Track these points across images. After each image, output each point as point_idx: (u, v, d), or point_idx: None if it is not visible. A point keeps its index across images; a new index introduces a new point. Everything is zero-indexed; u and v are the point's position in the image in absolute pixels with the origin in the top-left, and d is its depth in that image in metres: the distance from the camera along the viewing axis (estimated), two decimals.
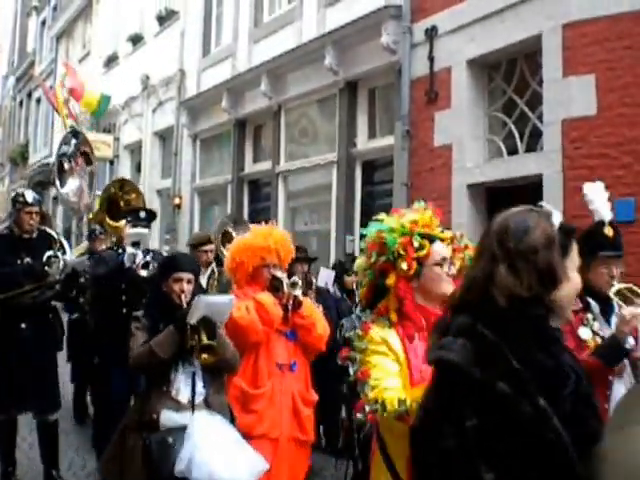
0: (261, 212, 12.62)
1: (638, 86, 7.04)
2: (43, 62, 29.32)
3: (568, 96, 7.50)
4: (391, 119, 10.20)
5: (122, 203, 7.46)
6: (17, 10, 36.16)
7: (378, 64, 10.12)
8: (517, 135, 8.47)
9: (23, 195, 6.40)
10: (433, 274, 3.22)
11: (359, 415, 3.05)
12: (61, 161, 7.64)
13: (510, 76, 8.61)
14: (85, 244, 8.76)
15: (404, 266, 3.17)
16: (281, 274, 4.89)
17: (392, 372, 3.01)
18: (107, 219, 7.58)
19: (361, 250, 3.42)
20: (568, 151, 7.47)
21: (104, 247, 7.71)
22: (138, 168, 18.60)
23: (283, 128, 12.64)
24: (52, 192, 7.84)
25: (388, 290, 3.21)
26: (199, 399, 4.17)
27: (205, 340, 4.06)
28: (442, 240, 3.37)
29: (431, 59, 9.09)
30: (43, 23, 30.53)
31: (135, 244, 6.04)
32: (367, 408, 2.95)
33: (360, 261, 3.38)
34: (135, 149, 18.94)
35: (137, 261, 5.93)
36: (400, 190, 9.48)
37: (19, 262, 6.21)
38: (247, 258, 4.86)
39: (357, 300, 7.45)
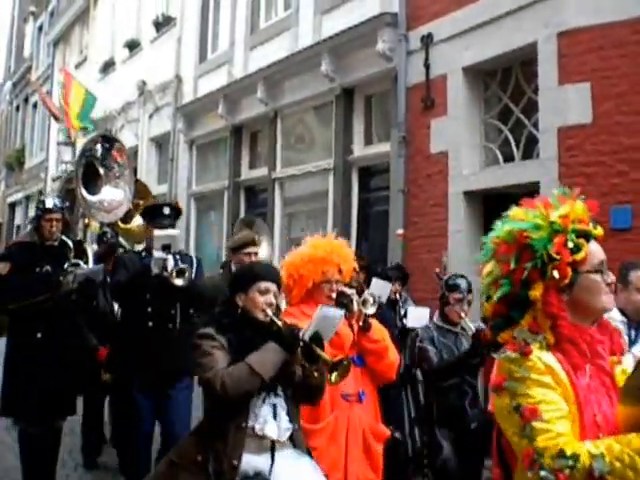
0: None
1: (634, 94, 7.06)
2: (40, 67, 29.33)
3: (564, 104, 7.52)
4: (387, 126, 10.21)
5: (131, 204, 7.13)
6: (14, 15, 36.15)
7: (374, 71, 10.13)
8: (513, 142, 8.48)
9: (43, 202, 6.17)
10: (590, 283, 2.50)
11: (542, 473, 2.20)
12: (92, 163, 6.57)
13: (506, 84, 8.63)
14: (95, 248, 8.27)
15: (556, 274, 2.43)
16: (350, 290, 4.41)
17: (563, 413, 2.30)
18: (118, 222, 7.28)
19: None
20: (564, 159, 7.48)
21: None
22: (134, 174, 18.55)
23: (279, 134, 12.64)
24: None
25: (528, 303, 2.48)
26: (285, 436, 3.49)
27: (327, 357, 3.45)
28: (596, 238, 2.57)
29: (427, 66, 9.10)
30: (40, 28, 30.54)
31: (165, 248, 5.35)
32: (552, 463, 2.19)
33: (490, 268, 2.60)
34: (131, 155, 18.84)
35: (169, 267, 5.31)
36: (397, 197, 9.49)
37: (37, 270, 5.93)
38: (307, 272, 4.36)
39: (401, 311, 7.01)
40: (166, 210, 5.65)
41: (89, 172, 6.45)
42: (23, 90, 32.34)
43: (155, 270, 5.29)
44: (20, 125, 32.75)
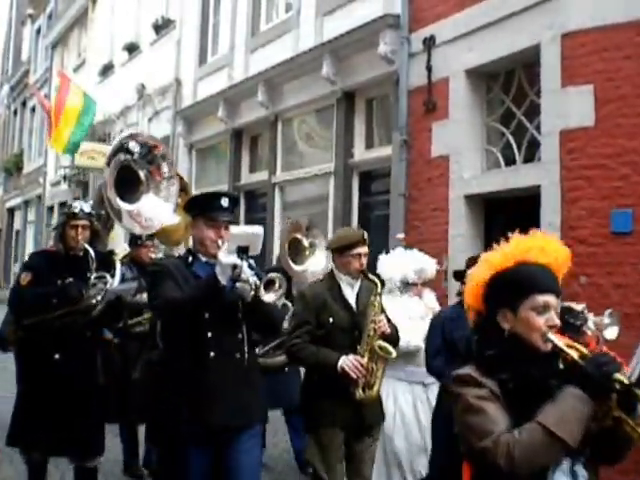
0: (257, 223, 12.56)
1: (637, 97, 7.01)
2: (38, 71, 29.33)
3: (566, 107, 7.47)
4: (389, 129, 10.17)
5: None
6: (12, 18, 36.13)
7: (376, 74, 10.09)
8: (515, 146, 8.44)
9: (69, 207, 5.61)
10: None
11: None
12: (129, 166, 5.29)
13: (508, 86, 8.59)
14: (124, 250, 7.25)
15: None
16: (580, 306, 3.59)
17: None
18: None
19: None
20: (566, 162, 7.43)
21: (153, 256, 6.63)
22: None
23: (280, 138, 12.60)
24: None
25: None
26: None
27: None
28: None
29: (429, 69, 9.05)
30: (38, 31, 30.54)
31: (242, 251, 4.04)
32: None
33: None
34: None
35: (246, 278, 3.99)
36: (397, 201, 9.44)
37: (59, 282, 5.41)
38: None
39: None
40: (224, 202, 4.31)
41: (126, 177, 5.24)
42: (21, 94, 32.34)
43: (223, 281, 3.98)
44: (18, 129, 32.72)
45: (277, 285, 4.15)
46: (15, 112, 33.54)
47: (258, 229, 4.58)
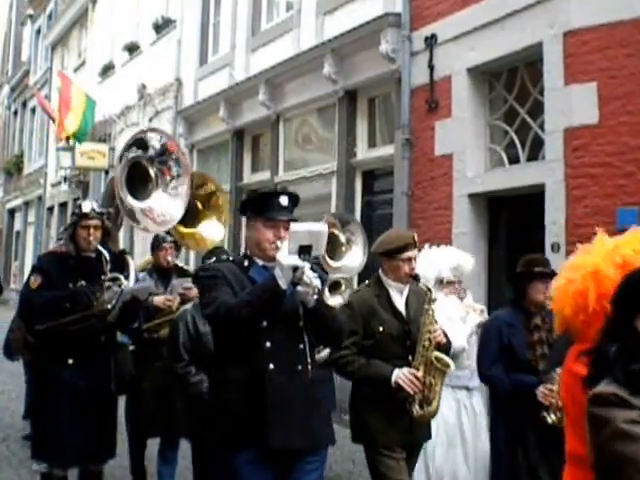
0: None
1: None
2: (38, 71, 29.30)
3: (570, 105, 7.45)
4: (391, 128, 10.14)
5: (200, 205, 6.24)
6: (11, 18, 36.07)
7: (378, 73, 10.05)
8: (518, 144, 8.42)
9: (79, 206, 5.43)
10: None
11: None
12: (140, 163, 5.48)
13: (511, 84, 8.56)
14: (148, 257, 7.03)
15: None
16: None
17: None
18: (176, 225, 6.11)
19: None
20: (570, 160, 7.41)
21: (170, 259, 6.37)
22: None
23: (282, 138, 12.57)
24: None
25: None
26: None
27: None
28: None
29: (431, 67, 9.03)
30: (38, 32, 30.51)
31: (304, 251, 3.60)
32: None
33: None
34: None
35: (309, 281, 3.58)
36: (400, 200, 9.42)
37: (71, 285, 5.27)
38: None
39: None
40: (283, 200, 3.94)
41: (136, 173, 5.42)
42: (21, 94, 32.32)
43: (284, 286, 3.62)
44: (18, 130, 32.71)
45: (343, 287, 3.92)
46: (15, 113, 33.52)
47: (322, 226, 3.88)
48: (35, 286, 5.26)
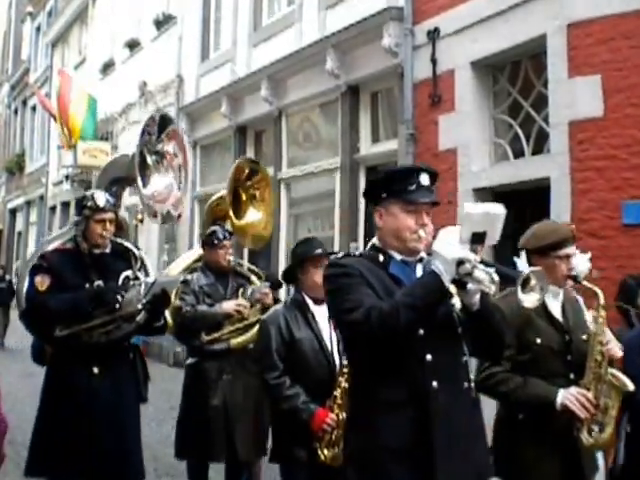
0: None
1: None
2: (38, 69, 29.31)
3: (574, 97, 7.41)
4: (394, 123, 10.10)
5: (244, 195, 5.95)
6: (11, 16, 36.07)
7: (380, 67, 10.02)
8: (523, 138, 8.38)
9: (93, 197, 4.93)
10: None
11: None
12: (142, 152, 5.41)
13: (515, 78, 8.52)
14: (195, 252, 6.47)
15: None
16: None
17: None
18: (232, 217, 5.78)
19: None
20: (575, 153, 7.38)
21: (231, 259, 5.90)
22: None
23: (284, 134, 12.54)
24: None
25: None
26: None
27: None
28: None
29: (434, 61, 8.99)
30: (38, 29, 30.49)
31: (477, 238, 2.92)
32: None
33: None
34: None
35: (481, 277, 2.85)
36: None
37: (87, 286, 4.79)
38: None
39: None
40: (424, 179, 3.20)
41: (142, 164, 5.30)
42: (21, 93, 32.31)
43: (447, 283, 2.90)
44: (19, 129, 32.71)
45: (533, 282, 2.93)
46: (16, 111, 33.51)
47: (500, 209, 2.97)
48: (44, 288, 4.71)
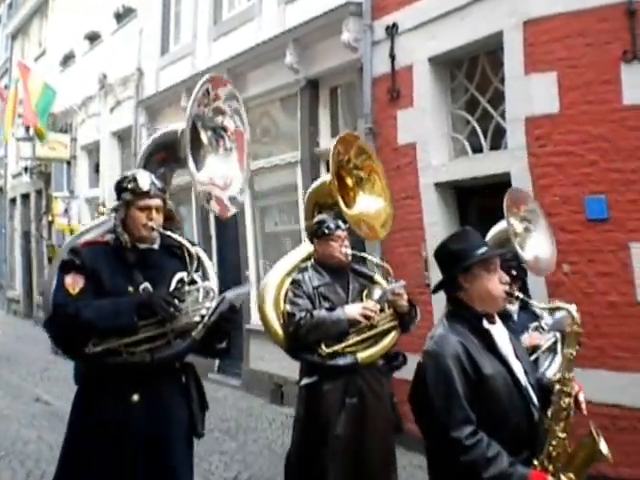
0: None
1: (600, 84, 7.00)
2: None
3: (530, 94, 7.45)
4: (354, 118, 10.10)
5: (350, 179, 5.18)
6: None
7: (339, 62, 10.01)
8: (481, 133, 8.42)
9: (135, 178, 3.93)
10: None
11: None
12: (195, 126, 4.42)
13: (472, 74, 8.55)
14: (305, 248, 5.50)
15: None
16: None
17: None
18: (343, 205, 4.92)
19: None
20: (533, 149, 7.42)
21: (349, 252, 5.04)
22: (96, 169, 18.35)
23: None
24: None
25: None
26: None
27: None
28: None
29: (392, 57, 8.99)
30: None
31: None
32: None
33: None
34: (93, 150, 18.63)
35: None
36: None
37: (131, 290, 3.82)
38: None
39: None
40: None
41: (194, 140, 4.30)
42: None
43: None
44: None
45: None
46: None
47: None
48: (76, 291, 3.73)
